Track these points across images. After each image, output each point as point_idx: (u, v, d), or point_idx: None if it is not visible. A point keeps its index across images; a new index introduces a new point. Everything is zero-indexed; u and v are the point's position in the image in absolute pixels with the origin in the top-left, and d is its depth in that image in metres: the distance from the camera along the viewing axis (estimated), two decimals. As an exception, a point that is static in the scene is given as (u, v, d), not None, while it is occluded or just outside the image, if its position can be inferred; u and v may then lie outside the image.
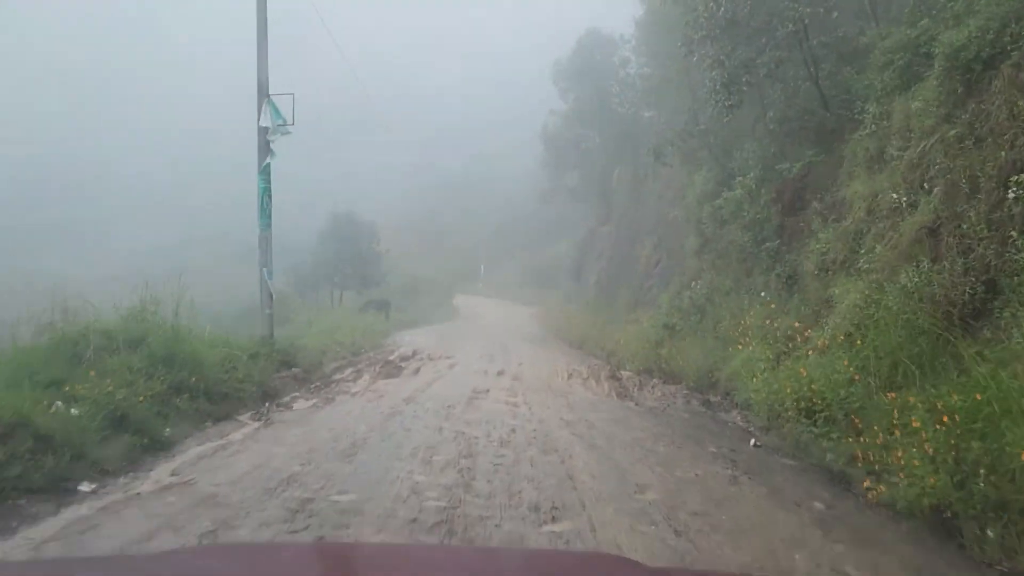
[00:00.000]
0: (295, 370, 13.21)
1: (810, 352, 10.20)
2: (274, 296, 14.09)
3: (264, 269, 13.76)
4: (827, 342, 9.49)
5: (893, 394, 6.88)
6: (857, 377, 8.14)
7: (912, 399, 6.38)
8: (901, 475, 5.64)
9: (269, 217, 13.83)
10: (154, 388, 8.46)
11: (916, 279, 8.97)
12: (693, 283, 18.89)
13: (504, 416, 9.35)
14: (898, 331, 8.76)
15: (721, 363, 13.64)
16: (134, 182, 72.57)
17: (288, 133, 13.85)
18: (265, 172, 13.76)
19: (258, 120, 13.73)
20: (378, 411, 9.84)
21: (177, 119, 76.09)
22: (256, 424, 9.13)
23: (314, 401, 11.18)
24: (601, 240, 37.81)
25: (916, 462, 5.47)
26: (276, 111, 13.68)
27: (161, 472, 6.56)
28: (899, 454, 5.80)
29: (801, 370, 9.02)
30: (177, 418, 8.40)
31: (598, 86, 37.60)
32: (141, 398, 7.87)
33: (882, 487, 5.81)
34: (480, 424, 8.68)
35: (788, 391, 8.68)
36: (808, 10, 14.17)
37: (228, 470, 6.57)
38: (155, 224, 65.63)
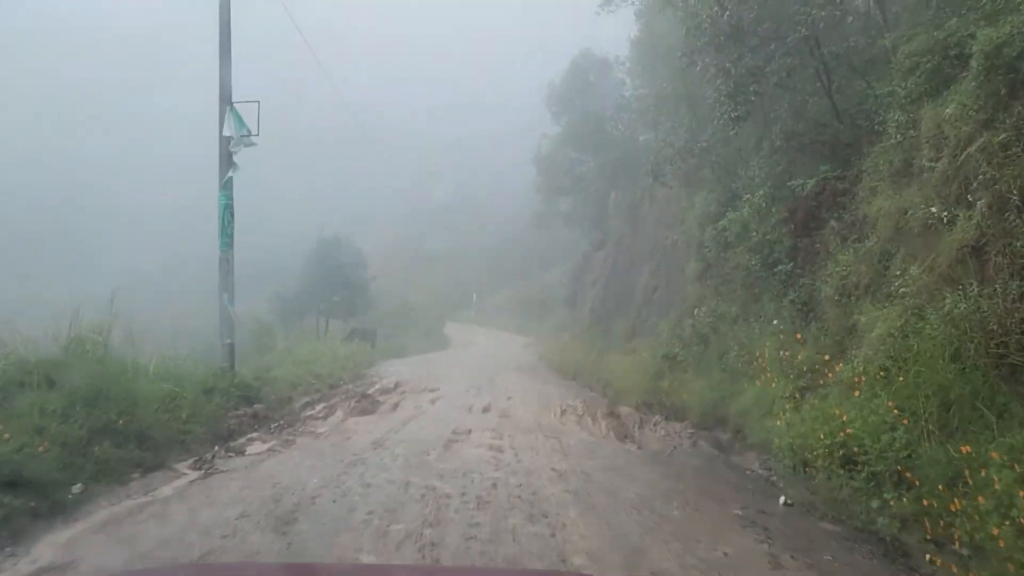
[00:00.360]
0: (257, 407, 11.82)
1: (837, 388, 8.91)
2: (236, 324, 12.72)
3: (224, 294, 12.43)
4: (860, 377, 8.17)
5: (967, 447, 5.54)
6: (906, 421, 6.83)
7: (995, 454, 5.05)
8: (995, 560, 4.32)
9: (231, 236, 12.51)
10: (69, 433, 7.10)
11: (963, 305, 7.71)
12: (695, 310, 17.62)
13: (485, 465, 7.97)
14: (946, 365, 7.52)
15: (729, 398, 12.38)
16: (131, 201, 70.72)
17: (253, 144, 12.59)
18: (227, 186, 12.47)
19: (220, 129, 12.47)
20: (340, 458, 8.47)
21: (173, 138, 74.74)
22: (194, 475, 7.75)
23: (272, 444, 9.80)
24: (596, 266, 36.56)
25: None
26: (240, 120, 12.43)
27: (46, 547, 5.20)
28: (992, 530, 4.47)
29: (836, 411, 7.71)
30: (95, 470, 7.03)
31: (592, 108, 36.57)
32: (42, 447, 6.49)
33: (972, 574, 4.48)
34: (456, 476, 7.30)
35: (820, 436, 7.35)
36: (823, 13, 13.08)
37: (131, 543, 5.21)
38: (148, 245, 63.82)
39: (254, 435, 10.37)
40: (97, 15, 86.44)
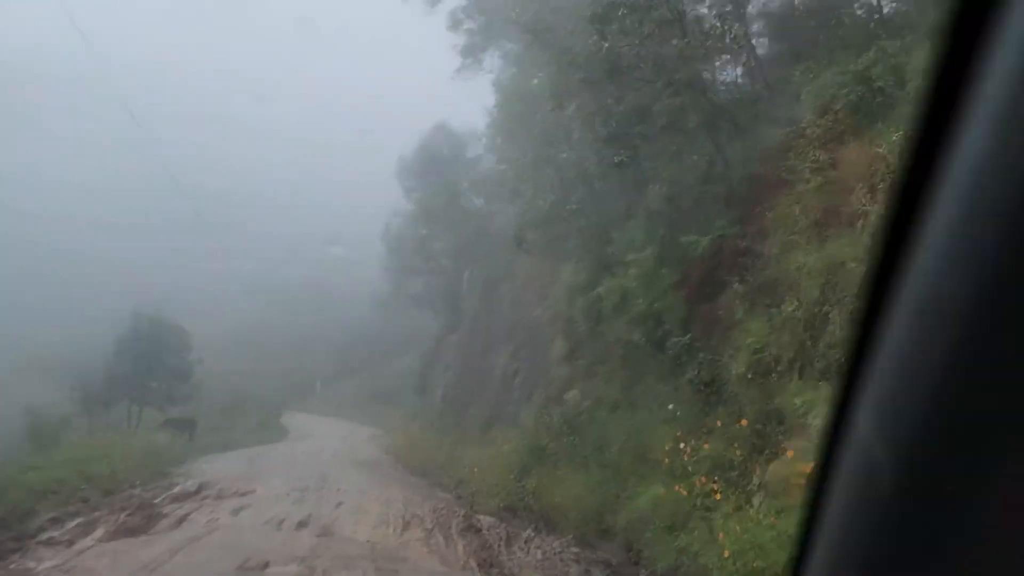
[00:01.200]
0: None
1: (785, 495, 6.46)
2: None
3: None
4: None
5: None
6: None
7: None
8: None
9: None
10: None
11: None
12: (565, 395, 15.17)
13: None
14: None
15: (616, 503, 9.92)
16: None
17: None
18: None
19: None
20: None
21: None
22: None
23: (-56, 597, 6.25)
24: (449, 350, 33.93)
25: None
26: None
27: None
28: None
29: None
30: None
31: (447, 183, 34.51)
32: None
33: None
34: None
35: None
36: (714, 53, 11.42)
37: None
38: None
39: (-74, 580, 6.75)
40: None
